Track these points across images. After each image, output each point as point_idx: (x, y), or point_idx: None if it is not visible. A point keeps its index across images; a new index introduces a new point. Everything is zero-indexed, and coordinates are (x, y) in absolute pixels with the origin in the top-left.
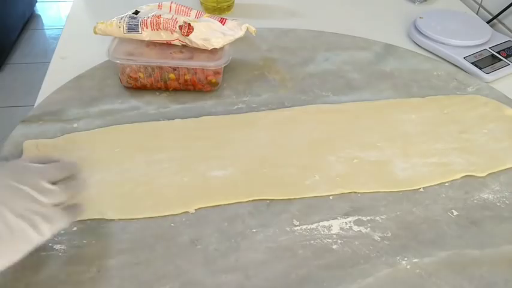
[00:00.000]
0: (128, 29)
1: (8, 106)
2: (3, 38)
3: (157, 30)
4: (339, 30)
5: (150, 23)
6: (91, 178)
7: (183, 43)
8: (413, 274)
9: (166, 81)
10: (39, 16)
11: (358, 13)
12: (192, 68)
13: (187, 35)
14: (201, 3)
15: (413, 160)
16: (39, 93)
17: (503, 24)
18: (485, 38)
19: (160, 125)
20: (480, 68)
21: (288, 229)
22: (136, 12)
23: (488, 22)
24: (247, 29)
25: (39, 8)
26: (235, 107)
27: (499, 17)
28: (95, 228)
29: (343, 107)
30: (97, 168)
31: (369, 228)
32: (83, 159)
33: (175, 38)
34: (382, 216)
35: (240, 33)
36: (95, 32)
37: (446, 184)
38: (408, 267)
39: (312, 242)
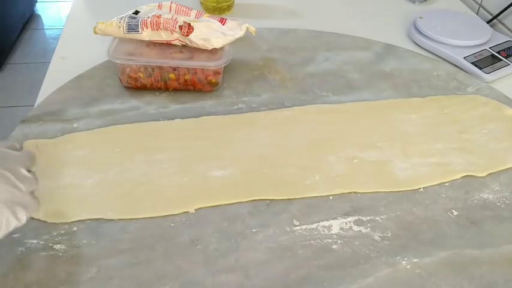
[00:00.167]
0: (128, 29)
1: (8, 106)
2: (3, 38)
3: (157, 30)
4: (339, 30)
5: (150, 23)
6: (91, 178)
7: (183, 43)
8: (413, 274)
9: (166, 81)
10: (39, 16)
11: (358, 13)
12: (192, 68)
13: (187, 35)
14: (201, 3)
15: (413, 160)
16: (39, 93)
17: (503, 24)
18: (485, 38)
19: (160, 125)
20: (480, 68)
21: (288, 229)
22: (136, 12)
23: (488, 22)
24: (247, 29)
25: (39, 8)
26: (235, 107)
27: (499, 17)
28: (95, 228)
29: (343, 107)
30: (97, 168)
31: (369, 228)
32: (83, 159)
33: (175, 38)
34: (382, 216)
35: (240, 33)
36: (95, 32)
37: (446, 184)
38: (408, 267)
39: (312, 242)
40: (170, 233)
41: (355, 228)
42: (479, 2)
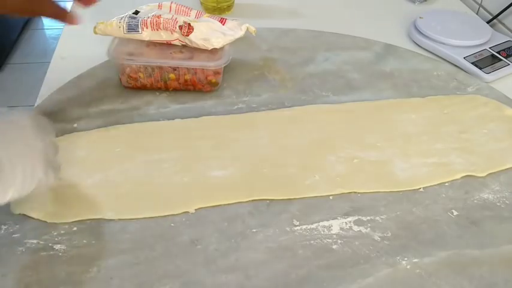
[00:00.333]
0: (128, 29)
1: (8, 106)
2: (3, 38)
3: (157, 30)
4: (339, 30)
5: (150, 23)
6: (91, 178)
7: (183, 43)
8: (413, 274)
9: (166, 81)
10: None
11: (358, 13)
12: (192, 68)
13: (187, 35)
14: (201, 3)
15: (413, 160)
16: (39, 93)
17: (503, 24)
18: (485, 38)
19: (160, 125)
20: (480, 68)
21: (288, 229)
22: (136, 12)
23: (488, 22)
24: (247, 29)
25: None
26: (235, 107)
27: (499, 17)
28: (95, 228)
29: (343, 107)
30: (97, 168)
31: (369, 228)
32: (83, 159)
33: (175, 38)
34: (382, 216)
35: (240, 33)
36: (95, 32)
37: (446, 184)
38: (408, 267)
39: (312, 242)
40: (170, 233)
41: (355, 228)
42: (479, 2)
